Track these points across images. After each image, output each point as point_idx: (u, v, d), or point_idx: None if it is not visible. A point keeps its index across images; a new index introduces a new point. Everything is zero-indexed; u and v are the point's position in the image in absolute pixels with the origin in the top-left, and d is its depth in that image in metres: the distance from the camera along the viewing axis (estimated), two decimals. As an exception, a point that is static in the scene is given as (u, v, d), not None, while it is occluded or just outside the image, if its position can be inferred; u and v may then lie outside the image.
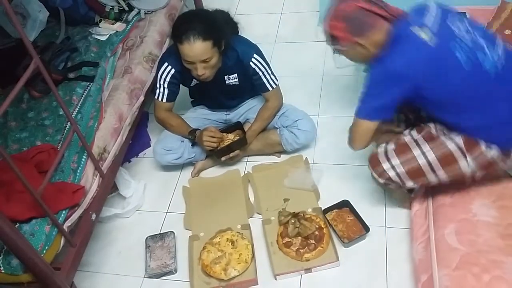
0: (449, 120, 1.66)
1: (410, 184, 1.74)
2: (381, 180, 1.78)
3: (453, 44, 1.55)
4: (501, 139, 1.63)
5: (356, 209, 2.01)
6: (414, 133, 1.76)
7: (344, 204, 2.04)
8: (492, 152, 1.63)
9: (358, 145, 1.77)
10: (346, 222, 1.98)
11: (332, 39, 1.68)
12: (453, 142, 1.65)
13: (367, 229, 1.94)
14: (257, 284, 1.90)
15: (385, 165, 1.73)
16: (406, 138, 1.74)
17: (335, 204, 2.05)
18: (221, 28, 2.02)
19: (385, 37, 1.59)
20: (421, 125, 1.77)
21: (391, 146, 1.74)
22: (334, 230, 1.96)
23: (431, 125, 1.73)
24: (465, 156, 1.64)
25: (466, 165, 1.65)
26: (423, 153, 1.68)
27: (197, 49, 1.94)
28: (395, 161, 1.71)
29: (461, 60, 1.54)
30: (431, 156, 1.67)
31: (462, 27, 1.60)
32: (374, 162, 1.77)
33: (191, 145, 2.30)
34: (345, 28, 1.60)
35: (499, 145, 1.63)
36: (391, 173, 1.73)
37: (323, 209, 2.04)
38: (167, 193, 2.32)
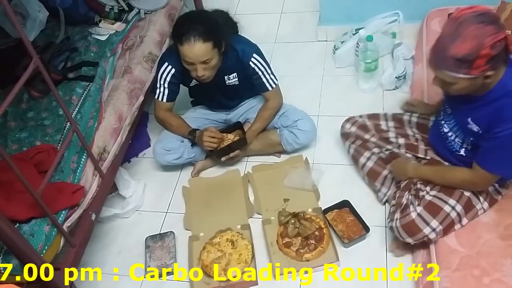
0: None
1: (440, 235, 1.71)
2: (414, 242, 1.72)
3: None
4: None
5: (356, 209, 2.01)
6: (426, 187, 1.75)
7: (344, 204, 2.04)
8: (491, 188, 1.72)
9: (484, 188, 1.70)
10: (346, 222, 1.98)
11: (464, 64, 1.42)
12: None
13: (367, 229, 1.94)
14: (257, 284, 1.90)
15: (427, 230, 1.66)
16: (427, 196, 1.72)
17: (335, 204, 2.04)
18: (221, 29, 2.02)
19: (500, 75, 1.50)
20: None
21: (419, 208, 1.68)
22: (334, 230, 1.96)
23: None
24: (479, 199, 1.70)
25: (481, 206, 1.70)
26: (453, 208, 1.68)
27: (197, 50, 1.94)
28: (434, 223, 1.66)
29: None
30: (459, 208, 1.68)
31: None
32: (413, 230, 1.68)
33: (191, 145, 2.30)
34: (490, 59, 1.40)
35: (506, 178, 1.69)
36: (432, 236, 1.68)
37: (323, 209, 2.04)
38: (167, 193, 2.32)
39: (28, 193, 1.48)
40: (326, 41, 2.89)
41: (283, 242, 1.96)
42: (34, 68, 1.48)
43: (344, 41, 2.69)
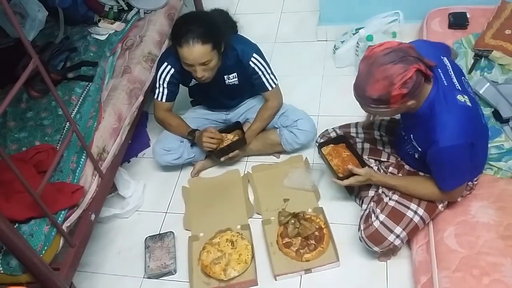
0: None
1: (406, 240, 1.78)
2: (381, 250, 1.76)
3: (471, 95, 1.61)
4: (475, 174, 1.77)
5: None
6: (388, 192, 1.79)
7: (341, 140, 1.98)
8: None
9: (457, 198, 1.76)
10: (342, 157, 1.93)
11: (381, 102, 1.47)
12: None
13: (363, 165, 1.87)
14: (257, 284, 1.90)
15: (391, 237, 1.71)
16: (390, 202, 1.75)
17: (331, 139, 2.00)
18: (220, 30, 2.01)
19: (426, 93, 1.54)
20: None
21: (382, 216, 1.73)
22: (330, 165, 1.91)
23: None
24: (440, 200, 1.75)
25: (442, 205, 1.75)
26: (415, 212, 1.72)
27: (196, 52, 1.93)
28: (398, 229, 1.71)
29: (479, 109, 1.65)
30: (421, 211, 1.73)
31: (460, 76, 1.64)
32: (377, 239, 1.72)
33: (190, 146, 2.29)
34: (405, 94, 1.44)
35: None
36: (398, 242, 1.72)
37: (318, 143, 2.02)
38: (167, 193, 2.32)
39: (28, 193, 1.47)
40: (326, 41, 2.88)
41: (283, 242, 1.96)
42: (33, 68, 1.48)
43: (344, 41, 2.69)
